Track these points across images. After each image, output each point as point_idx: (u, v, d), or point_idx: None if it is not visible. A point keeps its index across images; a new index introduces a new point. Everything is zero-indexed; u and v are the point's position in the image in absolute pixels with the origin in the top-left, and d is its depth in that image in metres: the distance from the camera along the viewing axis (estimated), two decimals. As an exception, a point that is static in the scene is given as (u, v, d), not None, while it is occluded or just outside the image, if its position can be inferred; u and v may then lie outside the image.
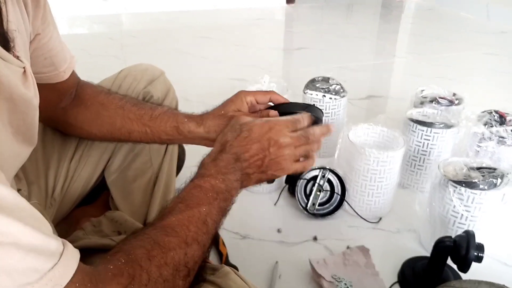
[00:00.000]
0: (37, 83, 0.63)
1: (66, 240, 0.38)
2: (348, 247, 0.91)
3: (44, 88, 0.65)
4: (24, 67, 0.50)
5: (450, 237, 0.78)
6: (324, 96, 1.20)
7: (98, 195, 0.90)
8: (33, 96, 0.53)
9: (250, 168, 0.60)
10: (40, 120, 0.66)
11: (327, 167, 1.01)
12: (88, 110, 0.74)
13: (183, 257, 0.48)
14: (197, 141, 0.75)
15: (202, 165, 0.59)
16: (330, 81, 1.24)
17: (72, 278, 0.36)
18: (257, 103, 0.73)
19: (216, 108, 0.74)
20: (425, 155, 1.07)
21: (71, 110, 0.74)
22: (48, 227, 0.36)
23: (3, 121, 0.48)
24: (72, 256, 0.38)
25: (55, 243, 0.36)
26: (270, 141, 0.59)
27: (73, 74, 0.71)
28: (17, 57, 0.49)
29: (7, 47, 0.48)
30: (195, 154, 1.17)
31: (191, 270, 0.49)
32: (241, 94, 0.73)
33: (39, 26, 0.59)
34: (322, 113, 0.72)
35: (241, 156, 0.59)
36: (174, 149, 0.91)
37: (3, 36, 0.47)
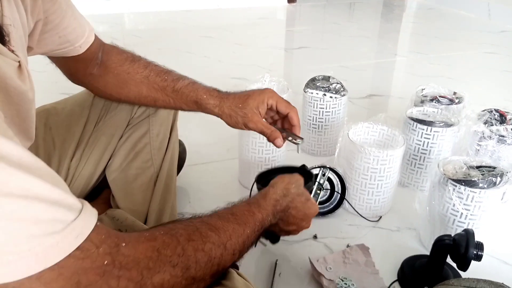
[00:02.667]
0: (57, 57, 0.69)
1: (84, 200, 0.40)
2: (348, 246, 0.92)
3: (65, 60, 0.71)
4: (19, 61, 0.51)
5: (450, 235, 0.78)
6: (325, 95, 1.20)
7: (99, 193, 0.90)
8: (28, 89, 0.53)
9: (283, 224, 0.68)
10: (74, 83, 0.77)
11: (328, 166, 1.01)
12: (115, 78, 0.77)
13: (219, 256, 0.50)
14: (213, 115, 0.79)
15: (265, 196, 0.65)
16: (330, 80, 1.25)
17: (96, 229, 0.38)
18: (277, 110, 0.78)
19: (237, 95, 0.78)
20: (425, 153, 1.08)
21: (99, 78, 0.77)
22: (65, 186, 0.38)
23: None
24: (92, 212, 0.39)
25: (73, 199, 0.38)
26: (308, 219, 0.71)
27: (94, 43, 0.73)
28: (12, 51, 0.50)
29: (3, 41, 0.48)
30: (196, 153, 1.17)
31: (218, 272, 0.51)
32: (266, 94, 0.78)
33: (40, 14, 0.59)
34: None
35: (289, 212, 0.67)
36: (175, 148, 0.91)
37: None
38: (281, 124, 0.83)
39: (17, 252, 0.33)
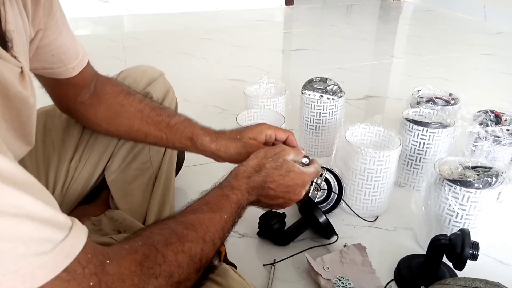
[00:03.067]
0: (49, 77, 0.67)
1: (74, 217, 0.40)
2: (345, 245, 0.92)
3: (58, 83, 0.69)
4: (21, 67, 0.51)
5: (446, 235, 0.79)
6: (322, 96, 1.21)
7: (98, 194, 0.91)
8: (30, 95, 0.53)
9: (266, 199, 0.67)
10: (61, 110, 0.75)
11: (325, 166, 1.02)
12: (107, 109, 0.75)
13: (199, 251, 0.50)
14: (207, 155, 0.77)
15: (236, 176, 0.64)
16: (327, 82, 1.25)
17: (83, 249, 0.38)
18: (276, 139, 0.77)
19: (233, 131, 0.77)
20: (421, 154, 1.09)
21: (91, 107, 0.75)
22: (55, 204, 0.37)
23: None
24: (82, 230, 0.39)
25: (63, 217, 0.37)
26: (295, 190, 0.69)
27: (88, 70, 0.72)
28: (15, 57, 0.50)
29: (5, 47, 0.49)
30: (194, 154, 1.19)
31: (202, 267, 0.51)
32: (262, 126, 0.76)
33: (41, 23, 0.60)
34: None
35: (267, 186, 0.66)
36: (173, 150, 0.92)
37: (1, 36, 0.48)
38: None
39: (2, 274, 0.31)
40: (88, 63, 0.72)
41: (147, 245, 0.46)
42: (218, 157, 0.76)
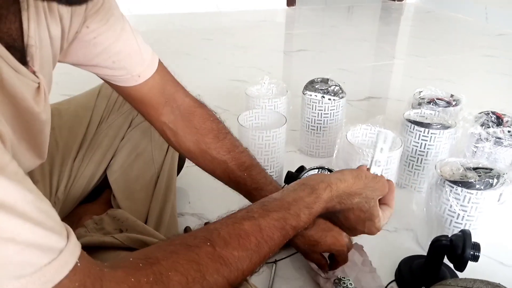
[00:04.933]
0: (120, 86, 0.65)
1: (73, 233, 0.38)
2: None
3: (130, 94, 0.67)
4: (38, 83, 0.50)
5: (447, 236, 0.79)
6: (323, 97, 1.21)
7: (100, 193, 0.91)
8: (41, 111, 0.52)
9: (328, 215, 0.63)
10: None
11: (326, 167, 1.02)
12: (192, 146, 0.72)
13: None
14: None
15: (313, 204, 0.55)
16: (329, 82, 1.26)
17: (70, 276, 0.35)
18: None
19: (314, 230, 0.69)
20: (423, 155, 1.09)
21: (176, 134, 0.72)
22: (54, 219, 0.36)
23: (8, 123, 0.48)
24: (72, 253, 0.36)
25: (56, 238, 0.35)
26: (356, 233, 0.66)
27: (160, 80, 0.68)
28: (33, 72, 0.49)
29: (24, 61, 0.48)
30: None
31: None
32: (341, 235, 0.69)
33: (81, 25, 0.58)
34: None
35: (337, 218, 0.63)
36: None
37: (20, 50, 0.48)
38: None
39: None
40: (165, 77, 0.69)
41: (159, 284, 0.40)
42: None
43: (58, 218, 0.37)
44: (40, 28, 0.50)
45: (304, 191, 0.55)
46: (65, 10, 0.53)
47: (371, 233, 0.64)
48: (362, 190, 0.59)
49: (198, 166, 0.77)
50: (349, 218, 0.61)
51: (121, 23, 0.63)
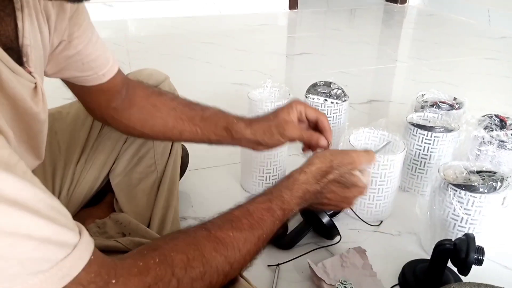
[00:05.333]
0: (81, 86, 0.67)
1: (84, 229, 0.39)
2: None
3: (90, 90, 0.69)
4: (35, 83, 0.50)
5: (451, 240, 0.79)
6: (326, 100, 1.21)
7: (103, 197, 0.91)
8: (40, 111, 0.53)
9: (316, 205, 0.66)
10: (95, 118, 0.76)
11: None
12: (140, 111, 0.75)
13: (222, 278, 0.47)
14: (244, 143, 0.77)
15: (292, 185, 0.60)
16: (331, 86, 1.26)
17: (86, 268, 0.36)
18: (306, 117, 0.76)
19: (266, 115, 0.77)
20: (426, 159, 1.08)
21: (123, 111, 0.75)
22: (66, 216, 0.37)
23: (8, 125, 0.49)
24: (86, 247, 0.37)
25: (70, 234, 0.36)
26: (350, 200, 0.67)
27: (118, 76, 0.71)
28: (30, 73, 0.49)
29: (20, 61, 0.48)
30: (198, 157, 1.18)
31: (220, 286, 0.49)
32: (293, 102, 0.75)
33: (64, 35, 0.59)
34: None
35: (323, 196, 0.64)
36: (178, 153, 0.92)
37: (17, 50, 0.48)
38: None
39: None
40: (119, 69, 0.72)
41: (164, 265, 0.43)
42: (256, 144, 0.75)
43: (69, 215, 0.38)
44: (33, 27, 0.50)
45: (281, 180, 0.62)
46: (52, 11, 0.54)
47: (360, 193, 0.68)
48: (331, 168, 0.64)
49: (153, 136, 0.79)
50: (334, 191, 0.65)
51: (91, 26, 0.65)
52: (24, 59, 0.49)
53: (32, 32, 0.50)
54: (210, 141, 0.78)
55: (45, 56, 0.56)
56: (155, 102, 0.76)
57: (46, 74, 0.64)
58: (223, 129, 0.75)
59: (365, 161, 0.67)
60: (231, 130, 0.75)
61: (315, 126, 0.77)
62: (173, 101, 0.77)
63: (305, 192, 0.61)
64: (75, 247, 0.36)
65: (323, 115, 0.75)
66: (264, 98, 1.26)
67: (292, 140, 0.75)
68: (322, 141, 0.73)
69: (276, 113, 0.75)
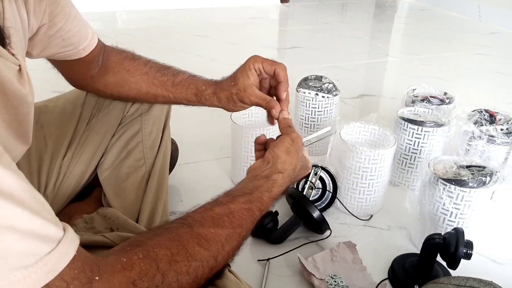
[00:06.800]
0: (61, 60, 0.68)
1: (68, 226, 0.38)
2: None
3: (67, 64, 0.70)
4: (19, 65, 0.50)
5: (440, 234, 0.79)
6: (317, 94, 1.21)
7: (91, 192, 0.90)
8: (28, 93, 0.52)
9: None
10: (76, 87, 0.78)
11: (319, 165, 1.01)
12: (115, 77, 0.77)
13: (207, 272, 0.47)
14: (214, 106, 0.78)
15: (271, 187, 0.60)
16: (323, 80, 1.25)
17: (70, 264, 0.36)
18: (264, 71, 0.74)
19: (228, 78, 0.76)
20: (416, 153, 1.09)
21: (99, 78, 0.76)
22: (49, 212, 0.36)
23: None
24: (71, 242, 0.37)
25: (54, 228, 0.35)
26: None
27: (98, 46, 0.72)
28: (13, 55, 0.49)
29: (3, 43, 0.48)
30: (188, 152, 1.17)
31: (206, 280, 0.49)
32: (249, 60, 0.74)
33: (44, 18, 0.59)
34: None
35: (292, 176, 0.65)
36: (167, 147, 0.91)
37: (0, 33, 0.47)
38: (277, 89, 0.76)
39: None
40: (98, 40, 0.73)
41: (148, 260, 0.42)
42: (224, 109, 0.77)
43: (52, 211, 0.37)
44: (12, 10, 0.50)
45: (260, 180, 0.61)
46: None
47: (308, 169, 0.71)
48: (298, 160, 0.66)
49: (130, 100, 0.82)
50: (301, 174, 0.69)
51: (69, 2, 0.65)
52: (7, 41, 0.48)
53: (12, 14, 0.50)
54: (184, 104, 0.80)
55: (25, 39, 0.55)
56: (128, 67, 0.77)
57: (31, 56, 0.64)
58: (193, 95, 0.77)
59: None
60: (201, 97, 0.77)
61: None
62: (145, 66, 0.78)
63: (281, 191, 0.63)
64: (59, 242, 0.35)
65: (279, 65, 0.73)
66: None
67: (255, 105, 0.75)
68: (273, 113, 0.71)
69: (236, 77, 0.74)
